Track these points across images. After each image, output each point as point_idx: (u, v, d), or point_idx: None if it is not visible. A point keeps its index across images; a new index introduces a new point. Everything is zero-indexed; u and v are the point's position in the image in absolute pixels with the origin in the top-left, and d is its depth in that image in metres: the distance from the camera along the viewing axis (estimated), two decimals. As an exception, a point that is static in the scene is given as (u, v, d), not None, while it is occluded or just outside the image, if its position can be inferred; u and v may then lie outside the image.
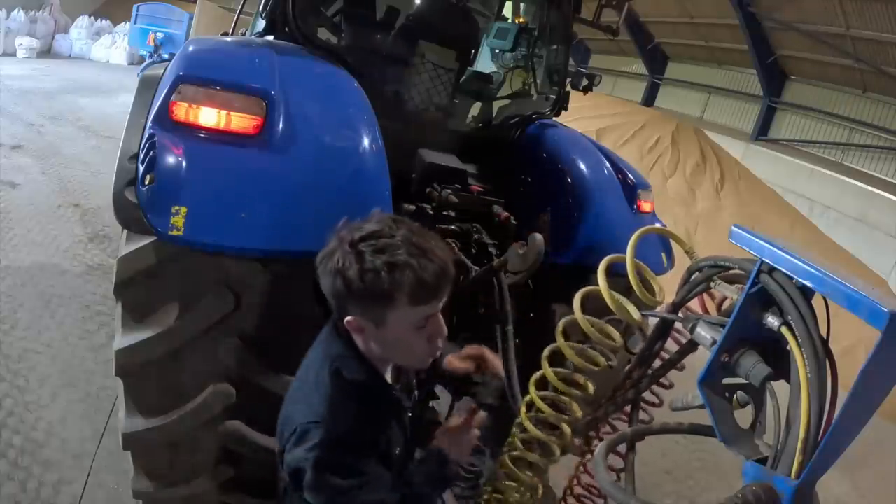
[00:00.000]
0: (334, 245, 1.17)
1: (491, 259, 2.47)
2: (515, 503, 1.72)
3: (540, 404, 1.51)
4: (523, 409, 1.58)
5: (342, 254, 1.14)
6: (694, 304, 1.27)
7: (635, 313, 1.32)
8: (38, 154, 7.04)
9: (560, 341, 1.37)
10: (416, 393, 1.46)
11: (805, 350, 0.95)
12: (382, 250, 1.13)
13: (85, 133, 8.49)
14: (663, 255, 2.59)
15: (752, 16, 12.52)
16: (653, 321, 1.37)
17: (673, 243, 2.11)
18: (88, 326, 3.78)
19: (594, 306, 1.39)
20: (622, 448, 1.36)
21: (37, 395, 3.08)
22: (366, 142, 1.93)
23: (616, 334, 1.40)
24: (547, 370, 1.47)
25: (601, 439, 1.70)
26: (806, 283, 0.94)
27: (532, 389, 1.47)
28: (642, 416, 1.54)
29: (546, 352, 1.49)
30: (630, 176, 2.86)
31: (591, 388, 1.51)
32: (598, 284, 1.33)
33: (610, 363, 1.46)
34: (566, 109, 3.28)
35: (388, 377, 1.34)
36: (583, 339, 1.48)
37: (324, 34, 3.04)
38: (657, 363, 1.41)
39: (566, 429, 1.52)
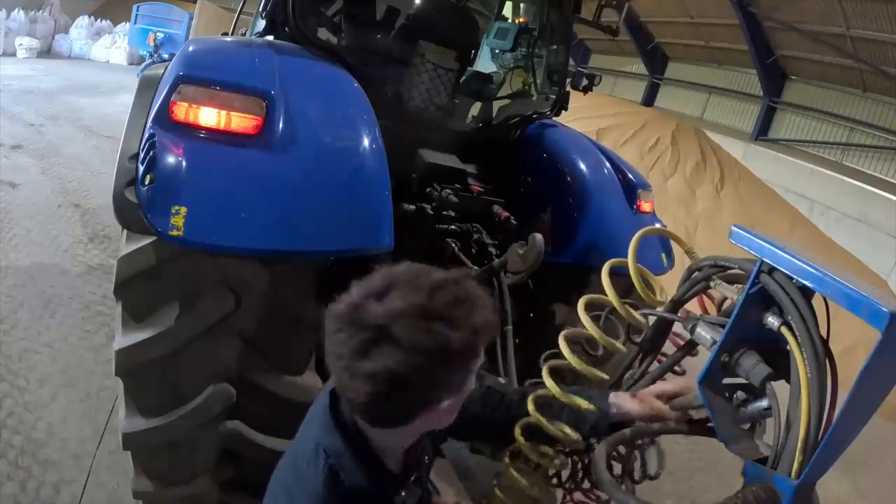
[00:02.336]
0: (342, 336, 0.90)
1: (491, 259, 2.47)
2: None
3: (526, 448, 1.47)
4: (506, 459, 1.53)
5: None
6: (694, 304, 1.27)
7: (640, 319, 1.32)
8: (38, 154, 7.04)
9: (565, 351, 1.36)
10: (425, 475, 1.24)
11: (805, 350, 0.95)
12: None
13: (85, 133, 8.49)
14: (663, 255, 2.59)
15: (752, 16, 12.51)
16: (653, 321, 1.37)
17: (673, 243, 2.11)
18: (88, 326, 3.78)
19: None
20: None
21: (37, 395, 3.08)
22: (366, 142, 1.93)
23: (620, 346, 1.40)
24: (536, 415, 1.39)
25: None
26: (806, 283, 0.95)
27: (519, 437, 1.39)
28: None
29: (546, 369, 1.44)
30: (630, 176, 2.86)
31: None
32: (599, 286, 1.34)
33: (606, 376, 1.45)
34: (566, 109, 3.28)
35: (395, 463, 1.09)
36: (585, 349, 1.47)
37: (324, 34, 3.04)
38: (656, 364, 1.41)
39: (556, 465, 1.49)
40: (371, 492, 1.01)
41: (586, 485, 1.54)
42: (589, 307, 1.37)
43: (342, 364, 0.90)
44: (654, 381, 1.41)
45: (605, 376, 1.33)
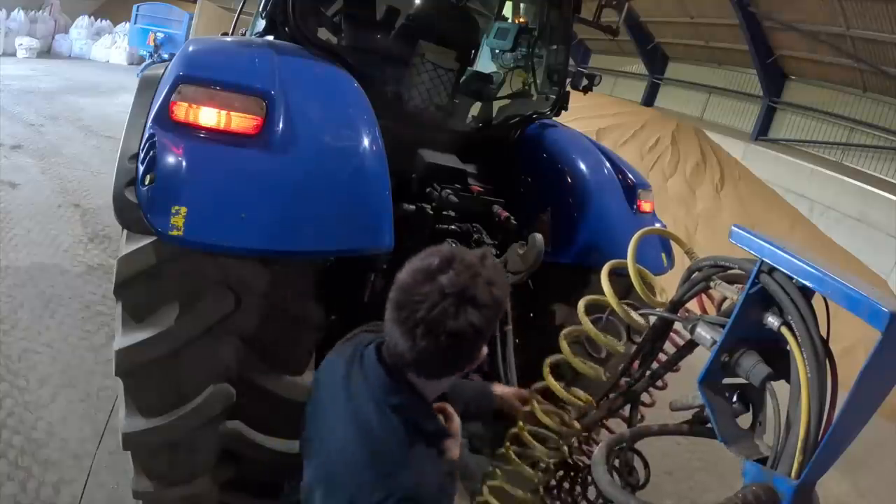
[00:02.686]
0: (434, 297, 1.13)
1: (491, 259, 2.47)
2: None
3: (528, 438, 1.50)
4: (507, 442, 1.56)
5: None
6: (693, 304, 1.27)
7: (640, 321, 1.32)
8: (38, 154, 7.04)
9: (565, 350, 1.37)
10: None
11: (805, 350, 0.95)
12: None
13: (85, 133, 8.49)
14: (663, 255, 2.59)
15: (752, 16, 12.51)
16: (652, 321, 1.37)
17: (673, 243, 2.11)
18: (88, 326, 3.78)
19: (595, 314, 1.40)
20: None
21: (37, 395, 3.08)
22: (366, 142, 1.92)
23: (620, 345, 1.40)
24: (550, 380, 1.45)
25: (598, 442, 1.70)
26: (806, 283, 0.94)
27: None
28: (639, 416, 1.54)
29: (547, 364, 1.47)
30: (630, 176, 2.86)
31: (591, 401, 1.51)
32: (599, 286, 1.34)
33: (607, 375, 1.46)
34: (566, 109, 3.28)
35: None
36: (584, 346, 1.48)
37: (324, 34, 3.04)
38: (655, 364, 1.41)
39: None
40: (441, 433, 1.29)
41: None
42: (589, 308, 1.37)
43: (422, 330, 1.13)
44: (654, 381, 1.41)
45: (601, 370, 1.33)
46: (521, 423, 1.63)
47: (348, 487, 1.18)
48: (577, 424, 1.42)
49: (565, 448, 1.60)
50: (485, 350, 1.25)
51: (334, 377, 1.34)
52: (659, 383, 1.47)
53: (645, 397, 1.55)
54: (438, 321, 1.13)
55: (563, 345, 1.43)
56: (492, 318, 1.18)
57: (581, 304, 1.36)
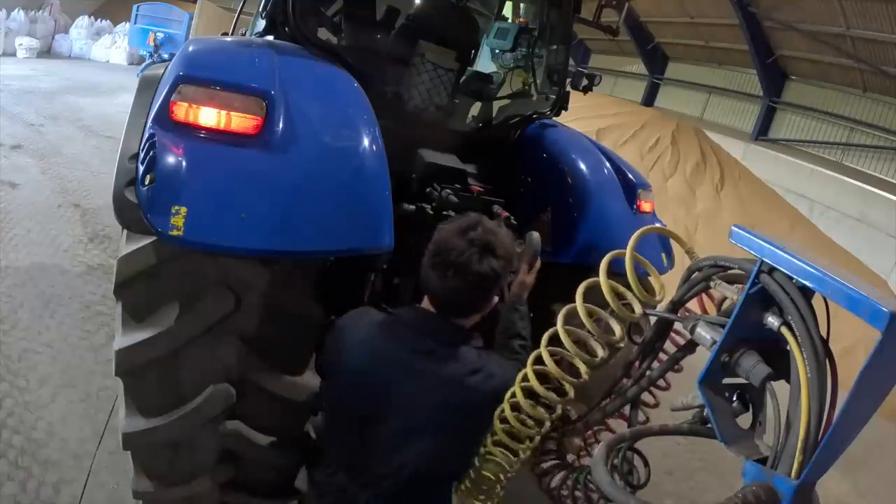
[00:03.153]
0: (463, 246, 1.50)
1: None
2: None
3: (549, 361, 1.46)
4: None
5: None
6: (694, 304, 1.27)
7: (637, 309, 1.32)
8: (38, 154, 7.04)
9: (559, 328, 1.36)
10: None
11: (805, 350, 0.95)
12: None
13: (85, 133, 8.50)
14: (663, 255, 2.59)
15: (752, 16, 12.51)
16: (653, 320, 1.37)
17: (673, 243, 2.11)
18: (88, 326, 3.78)
19: (596, 300, 1.39)
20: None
21: (37, 395, 3.09)
22: (366, 142, 1.92)
23: (618, 327, 1.39)
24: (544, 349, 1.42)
25: (598, 442, 1.70)
26: (806, 283, 0.94)
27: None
28: (640, 416, 1.54)
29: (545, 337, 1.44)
30: (630, 176, 2.86)
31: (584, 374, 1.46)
32: (599, 286, 1.33)
33: (607, 353, 1.43)
34: (566, 109, 3.28)
35: None
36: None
37: (324, 34, 3.04)
38: (655, 364, 1.41)
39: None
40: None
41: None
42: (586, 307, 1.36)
43: (452, 271, 1.49)
44: (654, 382, 1.41)
45: (639, 308, 1.31)
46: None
47: (470, 412, 1.49)
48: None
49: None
50: (496, 298, 1.62)
51: (393, 354, 1.55)
52: (662, 383, 1.46)
53: (649, 398, 1.55)
54: (466, 264, 1.47)
55: (560, 329, 1.39)
56: (505, 267, 1.56)
57: (579, 301, 1.35)
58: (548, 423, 1.42)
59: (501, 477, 1.53)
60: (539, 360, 1.39)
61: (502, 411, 1.43)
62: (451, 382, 1.50)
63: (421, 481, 1.55)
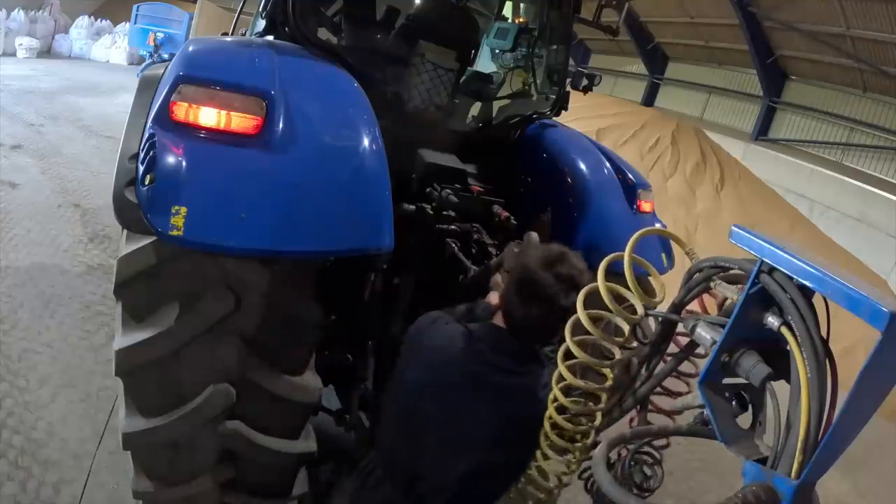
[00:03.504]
0: (550, 280, 1.52)
1: (491, 259, 2.47)
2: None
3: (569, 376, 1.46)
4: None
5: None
6: (694, 304, 1.27)
7: (639, 309, 1.31)
8: (38, 154, 7.05)
9: (568, 340, 1.35)
10: None
11: (805, 350, 0.95)
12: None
13: (85, 133, 8.50)
14: (663, 255, 2.59)
15: (752, 16, 12.52)
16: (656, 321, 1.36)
17: (673, 244, 2.11)
18: (88, 326, 3.78)
19: (597, 304, 1.38)
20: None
21: (37, 395, 3.09)
22: (366, 142, 1.92)
23: (624, 326, 1.39)
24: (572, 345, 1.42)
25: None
26: (806, 283, 0.94)
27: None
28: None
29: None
30: (630, 176, 2.86)
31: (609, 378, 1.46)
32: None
33: (625, 350, 1.42)
34: (566, 109, 3.28)
35: None
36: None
37: (324, 34, 3.04)
38: (661, 365, 1.40)
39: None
40: None
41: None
42: (588, 308, 1.36)
43: (539, 302, 1.54)
44: (659, 383, 1.40)
45: (641, 309, 1.31)
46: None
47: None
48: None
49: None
50: None
51: (468, 364, 1.59)
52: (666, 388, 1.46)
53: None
54: (553, 299, 1.51)
55: (572, 345, 1.39)
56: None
57: (579, 302, 1.35)
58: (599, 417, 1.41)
59: (553, 487, 1.52)
60: (569, 355, 1.38)
61: (550, 417, 1.41)
62: (523, 396, 1.54)
63: (473, 496, 1.57)
